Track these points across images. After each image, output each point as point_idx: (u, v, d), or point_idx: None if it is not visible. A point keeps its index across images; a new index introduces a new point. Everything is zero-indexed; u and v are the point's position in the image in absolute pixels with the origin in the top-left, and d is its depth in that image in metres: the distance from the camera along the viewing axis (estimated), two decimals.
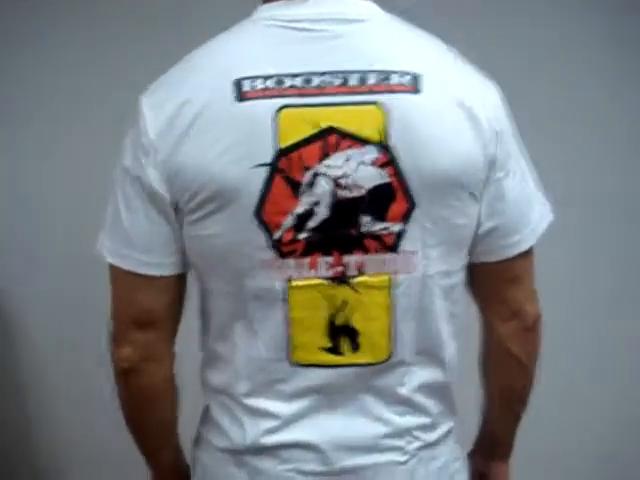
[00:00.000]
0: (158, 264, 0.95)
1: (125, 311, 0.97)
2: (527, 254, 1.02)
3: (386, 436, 0.99)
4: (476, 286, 1.05)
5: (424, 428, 1.01)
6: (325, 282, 0.92)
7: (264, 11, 0.93)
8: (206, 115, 0.88)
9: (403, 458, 1.00)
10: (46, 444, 2.01)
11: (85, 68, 1.75)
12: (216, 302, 0.97)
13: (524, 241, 1.00)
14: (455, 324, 1.01)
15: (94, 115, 1.77)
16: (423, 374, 1.00)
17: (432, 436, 1.02)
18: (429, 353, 0.99)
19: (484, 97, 0.94)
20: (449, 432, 1.05)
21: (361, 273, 0.93)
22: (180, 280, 0.98)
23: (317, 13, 0.91)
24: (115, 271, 0.96)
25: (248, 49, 0.91)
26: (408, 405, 1.00)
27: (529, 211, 1.00)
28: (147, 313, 0.97)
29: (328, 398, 0.97)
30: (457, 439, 1.08)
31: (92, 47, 1.74)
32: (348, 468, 0.98)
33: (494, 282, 1.03)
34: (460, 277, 1.00)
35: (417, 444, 1.01)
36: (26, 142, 1.82)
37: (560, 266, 1.77)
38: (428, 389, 1.01)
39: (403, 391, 0.99)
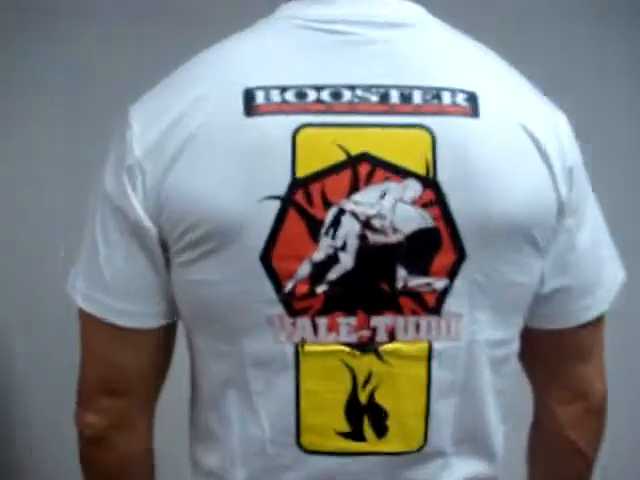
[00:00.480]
0: (139, 314, 0.76)
1: (94, 369, 0.79)
2: (599, 322, 0.82)
3: None
4: (532, 358, 0.85)
5: None
6: (347, 349, 0.73)
7: (287, 9, 0.75)
8: (207, 132, 0.70)
9: None
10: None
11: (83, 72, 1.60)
12: (208, 365, 0.78)
13: (596, 306, 0.81)
14: (505, 404, 0.81)
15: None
16: (465, 467, 0.79)
17: None
18: (473, 440, 0.79)
19: (555, 126, 0.76)
20: None
21: (393, 339, 0.73)
22: (166, 333, 0.79)
23: (353, 14, 0.73)
24: (86, 318, 0.78)
25: (264, 53, 0.73)
26: None
27: (602, 269, 0.81)
28: (121, 374, 0.78)
29: None
30: None
31: (92, 48, 1.59)
32: None
33: (556, 355, 0.84)
34: (514, 347, 0.80)
35: None
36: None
37: None
38: None
39: None
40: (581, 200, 0.77)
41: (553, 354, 0.83)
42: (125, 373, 0.78)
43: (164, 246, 0.74)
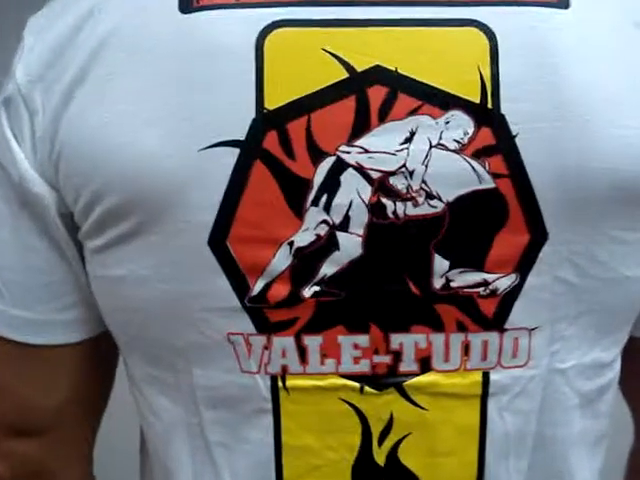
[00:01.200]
0: (46, 324, 0.51)
1: None
2: None
3: None
4: (636, 379, 0.57)
5: None
6: (353, 384, 0.46)
7: None
8: (122, 42, 0.43)
9: None
10: None
11: None
12: (147, 399, 0.52)
13: None
14: (602, 456, 0.54)
15: None
16: None
17: None
18: None
19: None
20: None
21: (427, 369, 0.46)
22: (95, 348, 0.54)
23: None
24: None
25: None
26: None
27: None
28: (29, 409, 0.53)
29: None
30: None
31: None
32: None
33: None
34: (615, 372, 0.53)
35: None
36: None
37: None
38: None
39: None
40: None
41: None
42: (35, 407, 0.53)
43: (70, 223, 0.47)
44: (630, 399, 0.60)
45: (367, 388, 0.47)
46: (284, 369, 0.46)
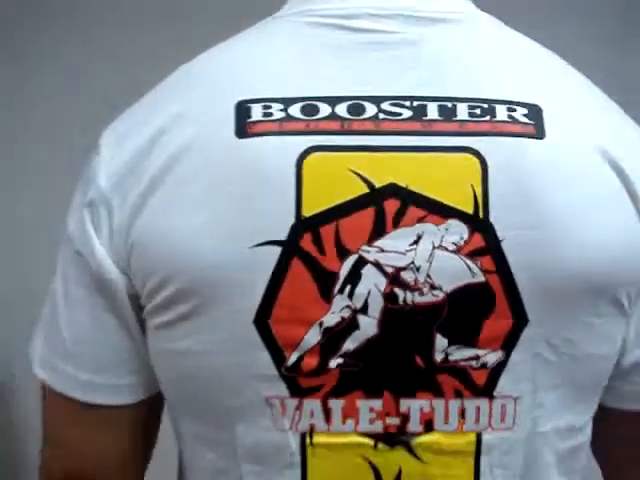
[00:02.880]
0: (109, 387, 0.60)
1: (56, 457, 0.63)
2: None
3: None
4: (609, 449, 0.67)
5: None
6: (369, 441, 0.56)
7: (297, 5, 0.59)
8: (188, 157, 0.54)
9: None
10: None
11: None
12: (194, 454, 0.61)
13: None
14: None
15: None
16: None
17: None
18: None
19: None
20: None
21: (430, 429, 0.55)
22: (147, 410, 0.63)
23: (381, 7, 0.57)
24: (46, 391, 0.62)
25: (266, 58, 0.57)
26: None
27: None
28: (89, 464, 0.62)
29: None
30: None
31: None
32: None
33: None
34: (587, 435, 0.62)
35: None
36: None
37: None
38: None
39: None
40: None
41: (637, 442, 0.65)
42: (94, 462, 0.62)
43: (136, 303, 0.58)
44: (600, 459, 0.69)
45: (380, 445, 0.56)
46: (312, 427, 0.55)
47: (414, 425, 0.55)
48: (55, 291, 0.60)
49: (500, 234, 0.53)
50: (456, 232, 0.53)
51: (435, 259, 0.53)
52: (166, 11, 1.45)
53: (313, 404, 0.55)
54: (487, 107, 0.54)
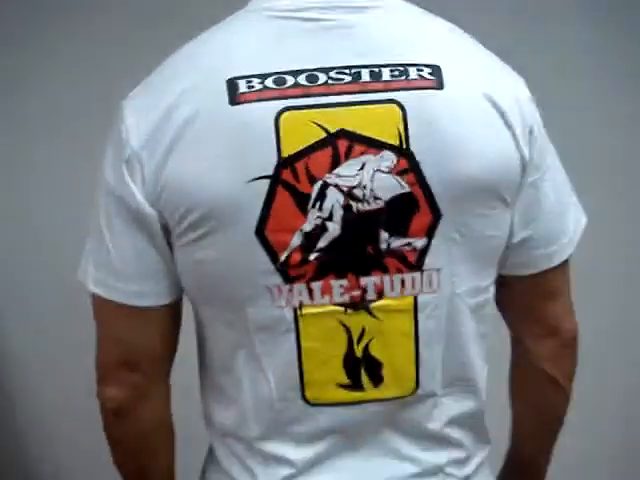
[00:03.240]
0: (149, 293, 0.83)
1: (111, 347, 0.86)
2: (565, 265, 0.90)
3: (416, 476, 0.87)
4: (507, 302, 0.93)
5: (458, 463, 0.90)
6: (340, 308, 0.80)
7: (259, 2, 0.81)
8: (197, 122, 0.76)
9: None
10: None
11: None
12: (217, 332, 0.85)
13: (562, 251, 0.89)
14: (485, 346, 0.89)
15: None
16: (455, 406, 0.88)
17: (466, 470, 0.91)
18: (460, 381, 0.87)
19: (515, 90, 0.83)
20: (482, 463, 0.94)
21: (381, 296, 0.81)
22: (174, 309, 0.86)
23: (325, 1, 0.79)
24: (100, 303, 0.84)
25: (244, 44, 0.79)
26: (439, 441, 0.88)
27: (566, 217, 0.89)
28: (136, 350, 0.85)
29: (349, 439, 0.85)
30: (490, 469, 0.97)
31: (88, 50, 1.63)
32: None
33: (528, 297, 0.92)
34: (490, 293, 0.88)
35: None
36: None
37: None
38: (461, 421, 0.89)
39: (433, 426, 0.87)
40: (542, 157, 0.84)
41: (526, 296, 0.91)
42: (140, 349, 0.85)
43: (165, 229, 0.80)
44: (504, 315, 0.95)
45: (349, 311, 0.80)
46: (300, 303, 0.80)
47: (370, 294, 0.80)
48: (100, 227, 0.82)
49: (418, 157, 0.77)
50: (388, 159, 0.77)
51: (375, 179, 0.77)
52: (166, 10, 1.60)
53: (300, 287, 0.79)
54: (403, 69, 0.78)
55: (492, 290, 0.89)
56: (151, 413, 0.89)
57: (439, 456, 0.88)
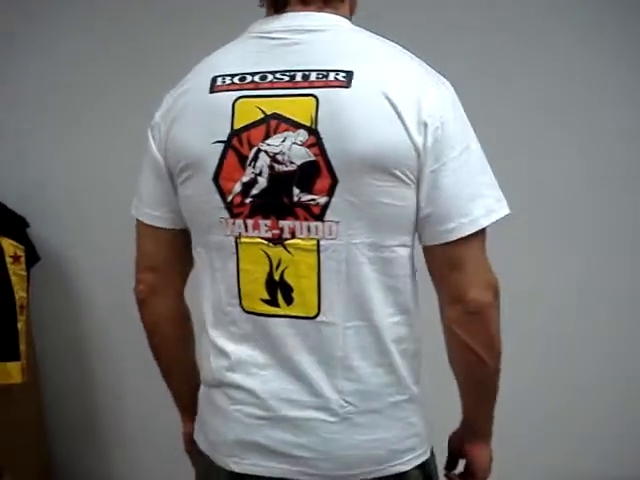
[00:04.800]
0: (160, 217, 1.21)
1: (139, 255, 1.26)
2: (468, 241, 1.09)
3: (318, 395, 1.13)
4: (429, 270, 1.14)
5: (359, 394, 1.12)
6: (265, 242, 1.12)
7: (254, 26, 1.18)
8: (190, 104, 1.15)
9: (333, 419, 1.12)
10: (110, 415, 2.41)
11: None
12: (199, 255, 1.21)
13: (459, 229, 1.08)
14: (399, 301, 1.12)
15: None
16: (358, 339, 1.12)
17: (371, 405, 1.13)
18: (363, 319, 1.11)
19: (419, 92, 1.06)
20: (395, 405, 1.14)
21: (294, 237, 1.10)
22: (181, 234, 1.22)
23: (286, 25, 1.13)
24: (137, 224, 1.25)
25: (230, 55, 1.16)
26: (343, 369, 1.12)
27: (468, 203, 1.08)
28: (154, 257, 1.24)
29: (269, 349, 1.14)
30: (415, 415, 1.17)
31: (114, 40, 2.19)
32: (285, 417, 1.14)
33: (437, 266, 1.12)
34: (398, 254, 1.11)
35: (350, 409, 1.12)
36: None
37: None
38: (366, 355, 1.12)
39: (339, 354, 1.12)
40: (441, 150, 1.06)
41: (435, 265, 1.12)
42: (157, 256, 1.24)
43: (170, 174, 1.19)
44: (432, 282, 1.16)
45: (270, 244, 1.11)
46: (239, 234, 1.13)
47: (286, 234, 1.10)
48: (143, 169, 1.24)
49: (322, 135, 1.06)
50: (302, 135, 1.07)
51: (292, 149, 1.08)
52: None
53: (239, 222, 1.12)
54: (325, 73, 1.08)
55: (403, 253, 1.11)
56: (164, 306, 1.26)
57: (342, 385, 1.12)
